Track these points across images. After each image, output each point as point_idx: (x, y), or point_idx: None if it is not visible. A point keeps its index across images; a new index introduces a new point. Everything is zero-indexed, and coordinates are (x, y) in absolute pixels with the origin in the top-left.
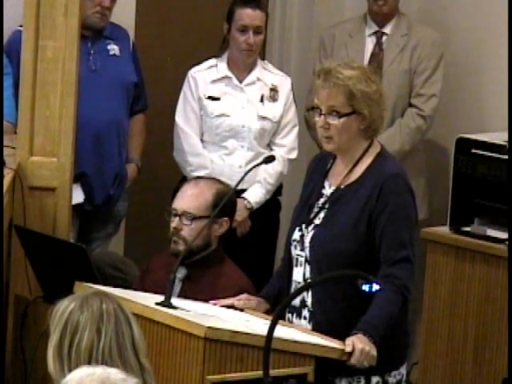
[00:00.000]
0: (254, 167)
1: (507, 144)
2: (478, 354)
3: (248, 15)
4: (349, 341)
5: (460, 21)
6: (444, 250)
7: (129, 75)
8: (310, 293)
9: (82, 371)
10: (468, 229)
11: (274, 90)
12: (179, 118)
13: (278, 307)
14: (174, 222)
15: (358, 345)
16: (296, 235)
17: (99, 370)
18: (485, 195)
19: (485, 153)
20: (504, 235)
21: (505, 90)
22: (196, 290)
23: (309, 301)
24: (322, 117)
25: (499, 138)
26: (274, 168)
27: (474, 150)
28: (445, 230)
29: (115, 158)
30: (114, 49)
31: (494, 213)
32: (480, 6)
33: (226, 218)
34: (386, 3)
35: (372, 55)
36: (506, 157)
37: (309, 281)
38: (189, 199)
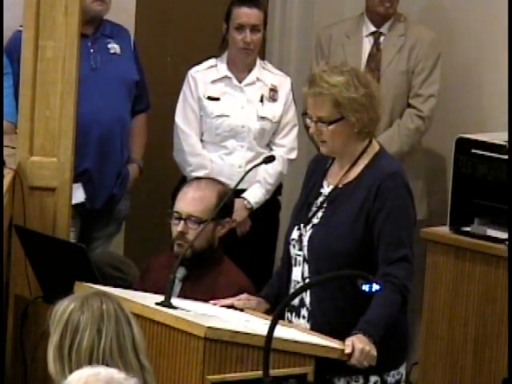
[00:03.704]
0: (253, 167)
1: (507, 144)
2: (478, 354)
3: (244, 13)
4: (348, 341)
5: (460, 21)
6: (444, 250)
7: (130, 73)
8: (308, 292)
9: (87, 371)
10: (468, 229)
11: (273, 90)
12: (179, 119)
13: (278, 307)
14: (180, 226)
15: (358, 345)
16: (294, 234)
17: (103, 370)
18: (485, 195)
19: (485, 153)
20: (504, 235)
21: (505, 90)
22: (196, 290)
23: (307, 300)
24: (313, 123)
25: (499, 137)
26: (274, 168)
27: (473, 150)
28: (445, 230)
29: (117, 157)
30: (114, 47)
31: (494, 213)
32: (480, 6)
33: (228, 219)
34: (392, 5)
35: (370, 56)
36: (506, 157)
37: (308, 281)
38: (194, 203)
